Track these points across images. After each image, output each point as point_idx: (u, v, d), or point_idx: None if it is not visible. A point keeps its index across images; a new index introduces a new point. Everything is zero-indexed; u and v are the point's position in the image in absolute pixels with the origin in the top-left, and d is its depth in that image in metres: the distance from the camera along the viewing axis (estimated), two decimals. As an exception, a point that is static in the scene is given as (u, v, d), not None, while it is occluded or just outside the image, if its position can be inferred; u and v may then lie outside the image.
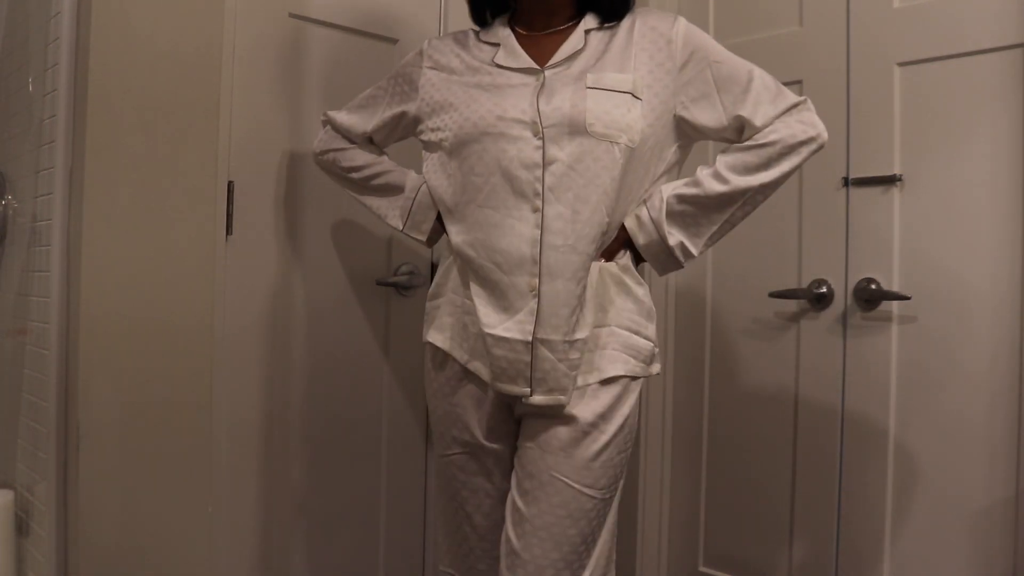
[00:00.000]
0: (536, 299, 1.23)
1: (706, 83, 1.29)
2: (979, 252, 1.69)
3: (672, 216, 1.29)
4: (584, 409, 1.25)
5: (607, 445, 1.25)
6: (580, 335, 1.24)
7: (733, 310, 2.11)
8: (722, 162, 1.29)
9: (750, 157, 1.27)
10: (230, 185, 1.63)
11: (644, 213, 1.30)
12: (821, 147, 1.29)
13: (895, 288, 1.80)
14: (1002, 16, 1.65)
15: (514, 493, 1.27)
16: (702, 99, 1.29)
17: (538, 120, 1.24)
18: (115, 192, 1.44)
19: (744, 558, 2.08)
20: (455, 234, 1.31)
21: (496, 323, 1.25)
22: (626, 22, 1.33)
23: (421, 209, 1.44)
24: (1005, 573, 1.65)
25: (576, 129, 1.23)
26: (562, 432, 1.24)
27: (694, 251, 1.31)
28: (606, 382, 1.27)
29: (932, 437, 1.75)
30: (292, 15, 1.72)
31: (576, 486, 1.23)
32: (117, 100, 1.44)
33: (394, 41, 1.88)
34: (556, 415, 1.25)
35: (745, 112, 1.27)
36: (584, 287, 1.25)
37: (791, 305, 1.99)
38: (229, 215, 1.64)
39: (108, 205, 1.44)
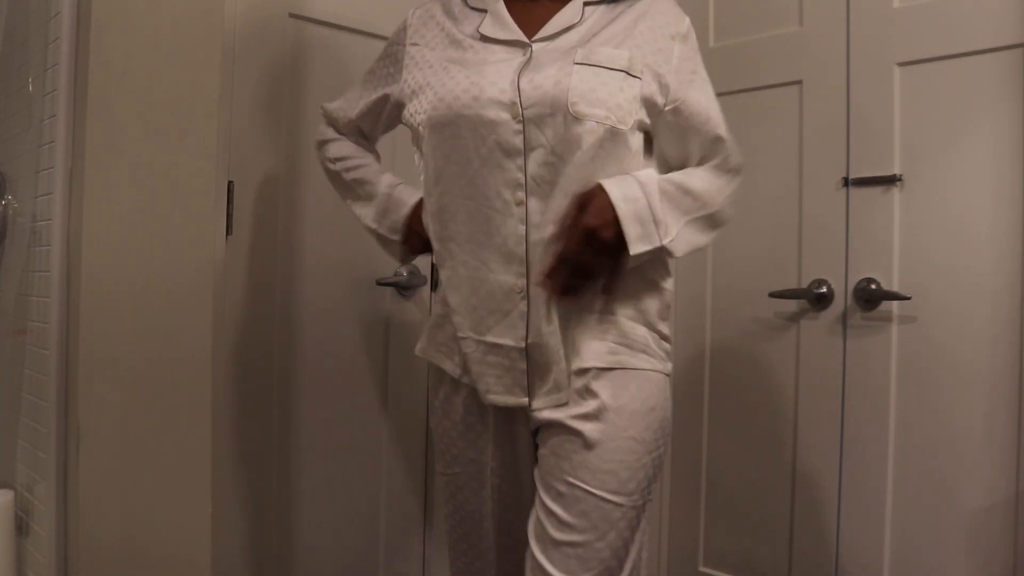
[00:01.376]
0: (525, 301, 1.12)
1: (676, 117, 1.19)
2: (979, 252, 1.69)
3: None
4: (592, 404, 1.13)
5: (629, 443, 1.12)
6: (579, 328, 1.15)
7: (733, 310, 2.11)
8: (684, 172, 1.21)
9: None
10: (230, 185, 1.63)
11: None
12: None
13: (895, 288, 1.80)
14: (1002, 16, 1.65)
15: (536, 505, 1.16)
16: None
17: (518, 100, 1.10)
18: (115, 192, 1.44)
19: (744, 558, 2.08)
20: (435, 230, 1.19)
21: (485, 329, 1.15)
22: (634, 9, 1.20)
23: (396, 207, 1.32)
24: (1005, 573, 1.65)
25: (558, 110, 1.09)
26: (577, 434, 1.12)
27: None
28: (607, 371, 1.14)
29: (932, 437, 1.75)
30: (292, 15, 1.72)
31: (598, 492, 1.10)
32: (117, 100, 1.44)
33: (394, 41, 1.88)
34: (567, 420, 1.14)
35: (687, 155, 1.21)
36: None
37: (791, 305, 1.99)
38: (229, 215, 1.64)
39: (108, 205, 1.43)
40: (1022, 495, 1.63)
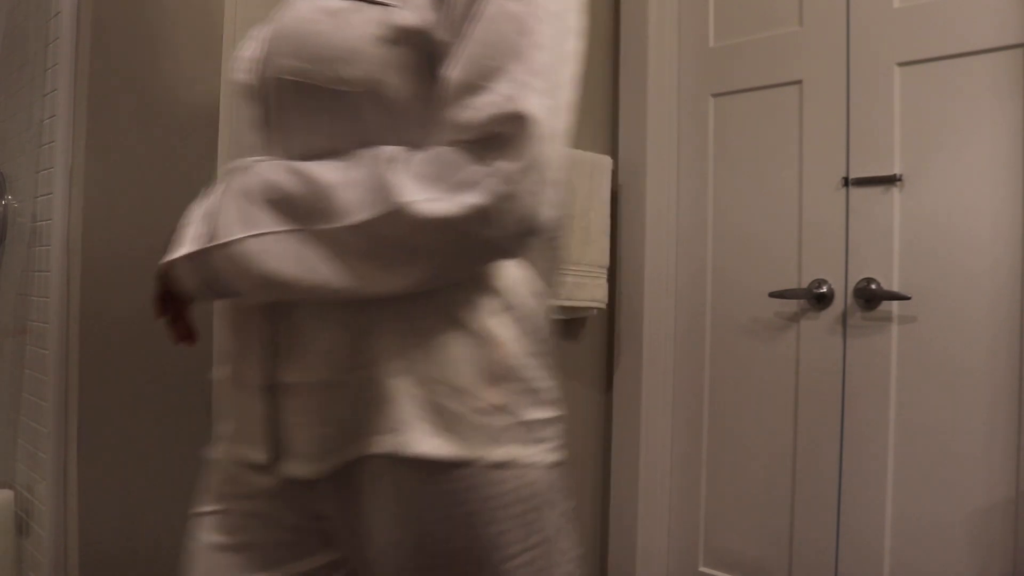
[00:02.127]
0: (271, 324, 0.79)
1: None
2: (979, 251, 1.69)
3: None
4: (377, 514, 0.76)
5: (453, 570, 0.76)
6: (347, 375, 0.76)
7: (733, 310, 2.11)
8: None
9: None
10: (230, 185, 1.63)
11: None
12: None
13: (895, 288, 1.80)
14: (1002, 16, 1.65)
15: None
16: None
17: (257, 55, 0.83)
18: (115, 192, 1.44)
19: (744, 558, 2.08)
20: None
21: (233, 356, 0.83)
22: None
23: None
24: (1005, 573, 1.65)
25: (267, 69, 0.80)
26: (384, 538, 0.76)
27: None
28: (378, 463, 0.75)
29: (932, 437, 1.75)
30: (292, 15, 1.72)
31: None
32: (117, 100, 1.44)
33: (394, 41, 1.88)
34: (371, 510, 0.76)
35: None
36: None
37: (791, 305, 1.99)
38: (229, 215, 1.64)
39: (108, 205, 1.44)
40: (1022, 495, 1.63)
